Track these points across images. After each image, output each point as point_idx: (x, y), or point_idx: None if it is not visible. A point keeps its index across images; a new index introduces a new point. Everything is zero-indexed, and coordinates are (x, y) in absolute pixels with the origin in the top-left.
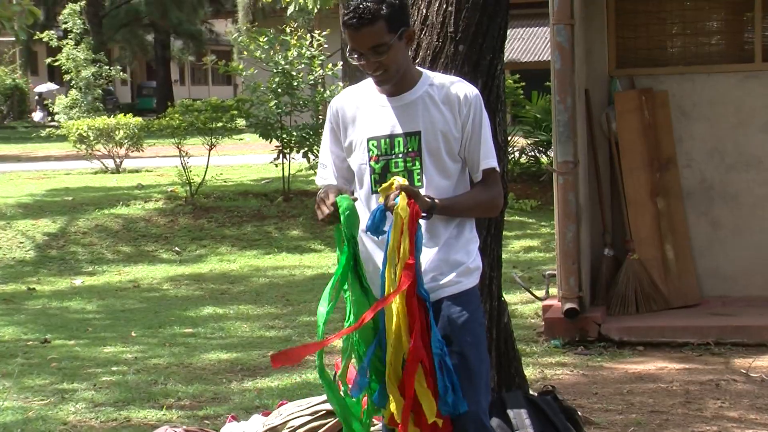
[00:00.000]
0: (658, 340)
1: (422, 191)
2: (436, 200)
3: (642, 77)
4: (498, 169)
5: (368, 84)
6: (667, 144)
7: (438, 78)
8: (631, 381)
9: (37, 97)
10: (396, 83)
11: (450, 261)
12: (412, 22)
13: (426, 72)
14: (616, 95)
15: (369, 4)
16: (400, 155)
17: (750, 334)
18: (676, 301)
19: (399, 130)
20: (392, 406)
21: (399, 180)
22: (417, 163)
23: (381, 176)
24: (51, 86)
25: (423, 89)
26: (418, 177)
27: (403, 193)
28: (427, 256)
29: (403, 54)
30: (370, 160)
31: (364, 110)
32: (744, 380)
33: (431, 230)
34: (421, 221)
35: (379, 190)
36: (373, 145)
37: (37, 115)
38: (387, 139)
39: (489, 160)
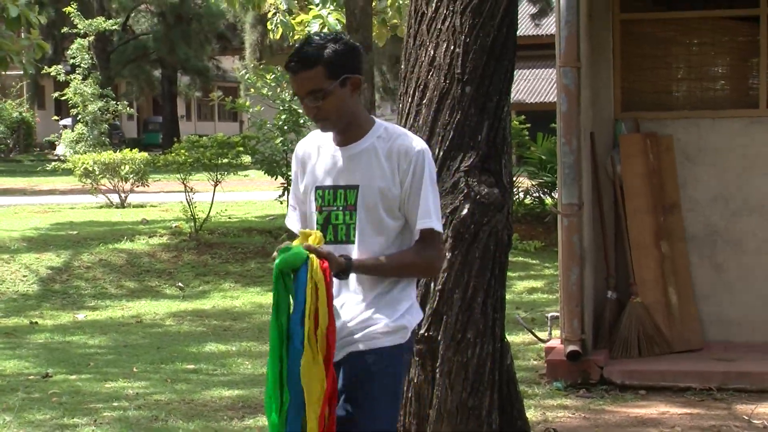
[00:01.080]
0: (661, 384)
1: (355, 248)
2: (353, 260)
3: (647, 121)
4: (438, 230)
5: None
6: (672, 188)
7: (388, 130)
8: (633, 425)
9: (62, 130)
10: (344, 132)
11: (372, 317)
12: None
13: (378, 122)
14: (621, 138)
15: (310, 49)
16: (341, 208)
17: (753, 380)
18: (679, 345)
19: (341, 182)
20: None
21: (314, 236)
22: (353, 218)
23: (323, 228)
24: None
25: (370, 141)
26: (353, 233)
27: (313, 255)
28: (351, 309)
29: (345, 101)
30: (315, 210)
31: (319, 157)
32: (746, 427)
33: (360, 283)
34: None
35: (298, 232)
36: (319, 194)
37: (61, 149)
38: (331, 191)
39: (426, 220)
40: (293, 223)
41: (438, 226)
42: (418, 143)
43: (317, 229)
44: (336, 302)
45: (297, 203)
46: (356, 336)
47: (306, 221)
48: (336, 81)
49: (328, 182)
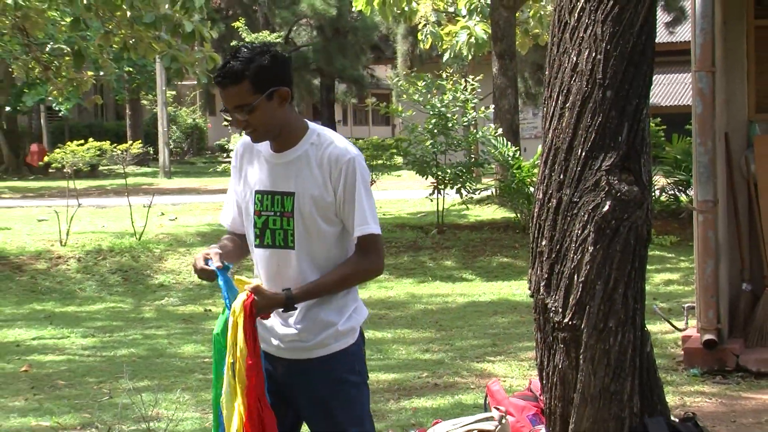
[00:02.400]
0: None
1: (295, 253)
2: (292, 292)
3: None
4: (376, 233)
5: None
6: None
7: (320, 136)
8: (748, 410)
9: (231, 134)
10: (277, 139)
11: (319, 321)
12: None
13: (312, 128)
14: (756, 138)
15: (235, 64)
16: (278, 213)
17: None
18: None
19: (277, 188)
20: None
21: (255, 281)
22: (291, 224)
23: (261, 231)
24: None
25: (303, 148)
26: (291, 238)
27: (246, 290)
28: (297, 314)
29: (272, 114)
30: (254, 214)
31: (257, 161)
32: None
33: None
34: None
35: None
36: (258, 198)
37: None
38: (269, 196)
39: (363, 226)
40: (226, 221)
41: (376, 229)
42: (349, 150)
43: (255, 232)
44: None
45: (235, 198)
46: (309, 344)
47: (242, 215)
48: (262, 95)
49: (266, 187)
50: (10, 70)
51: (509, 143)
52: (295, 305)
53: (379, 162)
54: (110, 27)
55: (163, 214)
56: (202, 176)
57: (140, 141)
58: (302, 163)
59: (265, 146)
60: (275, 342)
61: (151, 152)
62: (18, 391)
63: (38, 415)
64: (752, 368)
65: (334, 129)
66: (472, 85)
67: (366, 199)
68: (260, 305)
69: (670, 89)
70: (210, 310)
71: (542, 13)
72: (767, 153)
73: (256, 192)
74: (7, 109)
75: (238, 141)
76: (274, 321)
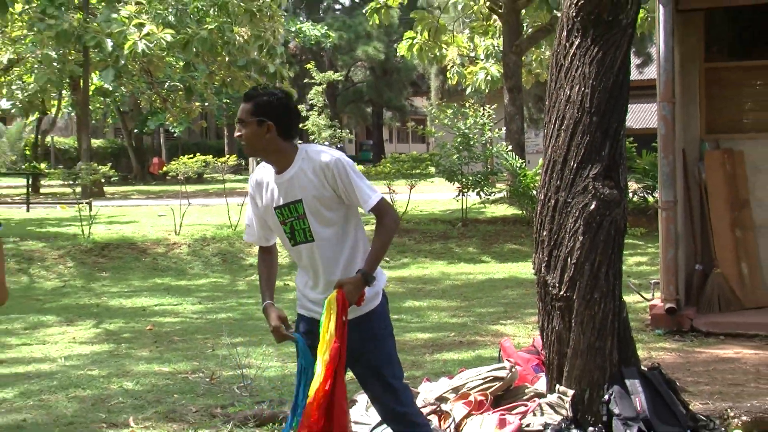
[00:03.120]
0: (735, 332)
1: (315, 243)
2: (365, 269)
3: (724, 141)
4: (379, 198)
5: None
6: (743, 190)
7: (308, 152)
8: (715, 362)
9: (337, 149)
10: (275, 164)
11: None
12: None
13: (301, 148)
14: (705, 153)
15: (256, 92)
16: (295, 218)
17: None
18: (749, 303)
19: (288, 200)
20: None
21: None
22: (306, 223)
23: (291, 234)
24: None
25: (297, 166)
26: (309, 233)
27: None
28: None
29: (258, 137)
30: (281, 224)
31: (267, 187)
32: None
33: (327, 271)
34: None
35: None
36: (278, 212)
37: None
38: (285, 208)
39: (368, 201)
40: (252, 236)
41: (377, 196)
42: (332, 156)
43: (287, 235)
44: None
45: (256, 220)
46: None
47: (265, 228)
48: (255, 119)
49: (281, 202)
50: (138, 101)
51: (517, 157)
52: (372, 276)
53: (417, 171)
54: (213, 69)
55: None
56: None
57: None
58: (300, 175)
59: (271, 173)
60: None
61: (243, 163)
62: (144, 345)
63: (159, 363)
64: (703, 329)
65: (383, 146)
66: (489, 112)
67: (360, 181)
68: (349, 292)
69: (640, 116)
70: (288, 284)
71: (542, 57)
72: (714, 164)
73: (275, 208)
74: (135, 131)
75: (251, 176)
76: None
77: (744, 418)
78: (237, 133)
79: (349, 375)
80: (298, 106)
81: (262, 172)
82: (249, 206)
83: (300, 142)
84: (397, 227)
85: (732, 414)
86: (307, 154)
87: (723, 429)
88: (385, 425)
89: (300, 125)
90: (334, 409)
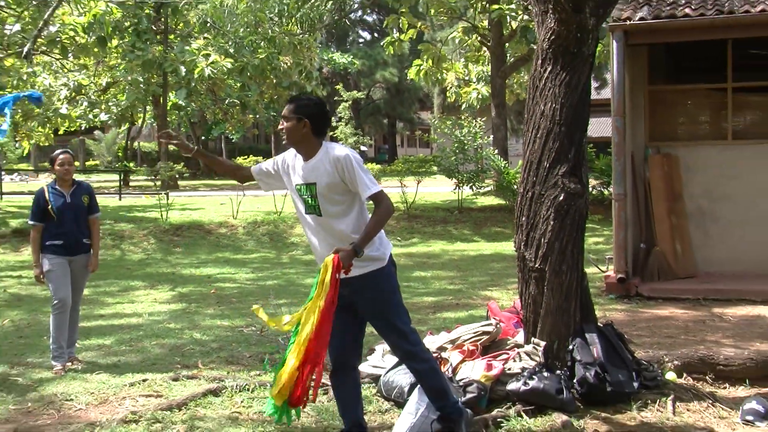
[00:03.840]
0: (670, 296)
1: (324, 216)
2: (356, 244)
3: (664, 147)
4: (377, 190)
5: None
6: (678, 186)
7: (327, 149)
8: (655, 319)
9: (361, 152)
10: (303, 153)
11: (364, 255)
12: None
13: (324, 145)
14: (649, 157)
15: (300, 96)
16: (310, 195)
17: (723, 293)
18: (682, 274)
19: (307, 181)
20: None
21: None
22: (316, 201)
23: (305, 205)
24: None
25: (319, 158)
26: (319, 209)
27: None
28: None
29: (296, 132)
30: (299, 196)
31: (295, 168)
32: (719, 320)
33: (329, 238)
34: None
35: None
36: (298, 188)
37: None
38: (304, 186)
39: (367, 191)
40: (255, 168)
41: (376, 188)
42: (343, 152)
43: (302, 205)
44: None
45: (270, 167)
46: (359, 268)
47: (268, 175)
48: (296, 117)
49: (301, 181)
50: (205, 114)
51: (502, 159)
52: (361, 250)
53: (423, 169)
54: (263, 89)
55: None
56: None
57: None
58: (319, 165)
59: (299, 160)
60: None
61: None
62: (209, 304)
63: (221, 319)
64: (645, 294)
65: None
66: (479, 124)
67: (363, 175)
68: (343, 258)
69: (598, 127)
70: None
71: (522, 80)
72: (655, 165)
73: (296, 185)
74: (202, 137)
75: (287, 153)
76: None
77: (675, 362)
78: (280, 126)
79: (369, 329)
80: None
81: (292, 155)
82: (273, 160)
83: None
84: (389, 215)
85: (666, 359)
86: (326, 149)
87: (659, 371)
88: (397, 368)
89: (329, 128)
90: (323, 341)
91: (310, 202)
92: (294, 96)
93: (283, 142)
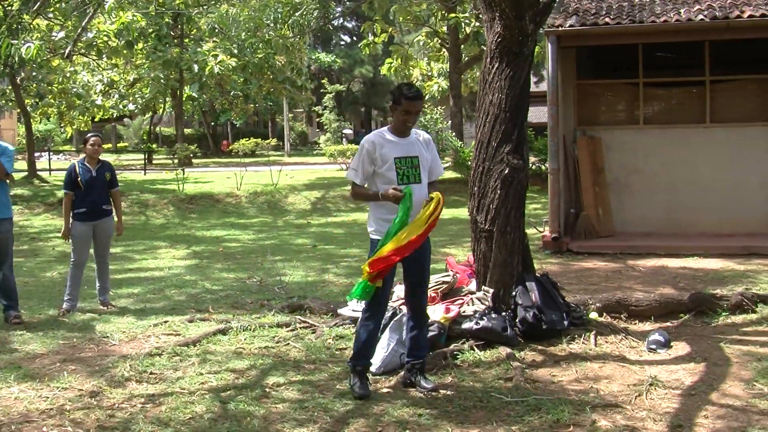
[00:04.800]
0: (594, 251)
1: (423, 184)
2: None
3: (589, 130)
4: (442, 170)
5: (381, 132)
6: (600, 161)
7: (416, 131)
8: (582, 271)
9: (345, 135)
10: (407, 133)
11: None
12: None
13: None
14: (578, 138)
15: (418, 90)
16: (410, 167)
17: (637, 249)
18: (603, 233)
19: (409, 154)
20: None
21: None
22: (418, 170)
23: (402, 176)
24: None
25: (414, 136)
26: (419, 177)
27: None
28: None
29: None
30: (395, 168)
31: (387, 145)
32: (633, 270)
33: (419, 202)
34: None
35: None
36: (397, 161)
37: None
38: (404, 159)
39: (439, 169)
40: (356, 178)
41: (442, 168)
42: (427, 134)
43: (399, 178)
44: None
45: (364, 169)
46: None
47: (367, 178)
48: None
49: (402, 154)
50: (214, 104)
51: (458, 140)
52: None
53: None
54: (261, 83)
55: (287, 174)
56: (306, 156)
57: (275, 138)
58: (415, 142)
59: (387, 136)
60: None
61: (281, 144)
62: (218, 260)
63: (228, 272)
64: (574, 250)
65: None
66: (440, 112)
67: (437, 157)
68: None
69: (537, 113)
70: (310, 222)
71: (474, 75)
72: (582, 145)
73: (395, 158)
74: (212, 123)
75: (368, 140)
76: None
77: (597, 304)
78: (412, 120)
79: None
80: (316, 108)
81: (377, 137)
82: (364, 160)
83: None
84: None
85: (590, 302)
86: (415, 131)
87: (585, 311)
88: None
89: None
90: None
91: (409, 172)
92: (417, 89)
93: (409, 125)
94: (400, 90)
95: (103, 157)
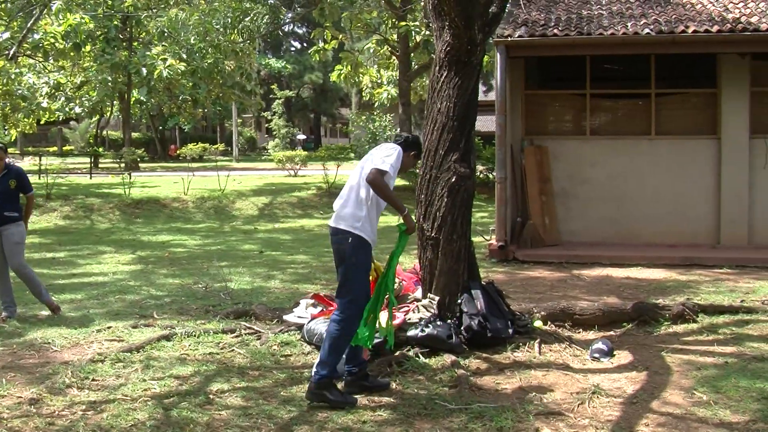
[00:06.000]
0: (540, 260)
1: None
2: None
3: (536, 139)
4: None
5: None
6: (547, 171)
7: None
8: (527, 279)
9: (300, 140)
10: None
11: None
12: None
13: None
14: (525, 148)
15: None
16: None
17: (581, 258)
18: (549, 242)
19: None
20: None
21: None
22: None
23: None
24: (302, 137)
25: None
26: None
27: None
28: None
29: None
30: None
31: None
32: (577, 279)
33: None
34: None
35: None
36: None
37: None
38: None
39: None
40: (391, 175)
41: None
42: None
43: None
44: None
45: (395, 173)
46: None
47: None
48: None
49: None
50: (162, 108)
51: None
52: None
53: (342, 156)
54: (210, 88)
55: (235, 180)
56: (254, 162)
57: (224, 144)
58: None
59: None
60: None
61: (229, 149)
62: (164, 266)
63: (173, 277)
64: (520, 259)
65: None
66: (389, 118)
67: None
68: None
69: (485, 123)
70: (257, 228)
71: (424, 83)
72: (530, 154)
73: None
74: (160, 127)
75: (401, 152)
76: None
77: (542, 313)
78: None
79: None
80: (265, 113)
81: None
82: (398, 165)
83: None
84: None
85: (535, 310)
86: None
87: (530, 319)
88: (317, 318)
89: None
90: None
91: None
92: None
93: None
94: (418, 142)
95: (47, 159)
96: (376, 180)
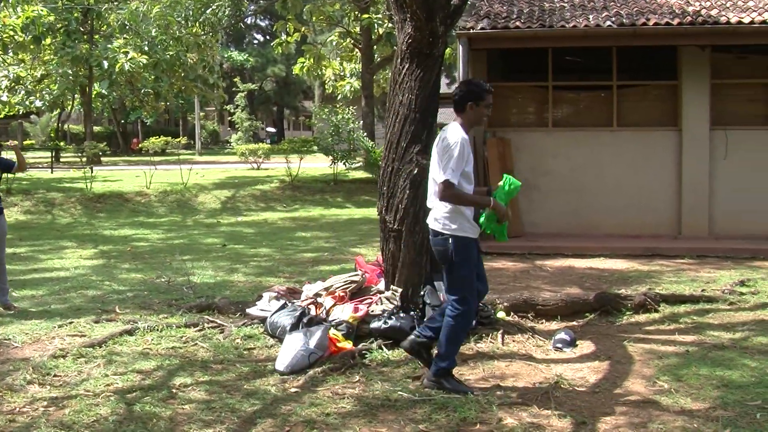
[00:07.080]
0: (503, 251)
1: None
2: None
3: (499, 131)
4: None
5: (460, 127)
6: (510, 163)
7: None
8: (491, 270)
9: (265, 133)
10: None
11: None
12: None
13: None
14: (488, 140)
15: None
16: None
17: (543, 249)
18: (512, 234)
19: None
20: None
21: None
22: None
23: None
24: (272, 129)
25: None
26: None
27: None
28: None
29: None
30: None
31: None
32: (540, 270)
33: None
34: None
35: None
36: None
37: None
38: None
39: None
40: (456, 180)
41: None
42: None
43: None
44: None
45: (460, 172)
46: None
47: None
48: None
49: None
50: (124, 102)
51: (369, 140)
52: None
53: (305, 149)
54: (173, 81)
55: (197, 173)
56: (217, 155)
57: (186, 137)
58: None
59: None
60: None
61: (192, 143)
62: (126, 260)
63: (136, 272)
64: (483, 250)
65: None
66: (351, 111)
67: None
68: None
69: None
70: (219, 222)
71: (386, 76)
72: (492, 146)
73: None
74: (122, 121)
75: (463, 138)
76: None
77: (505, 304)
78: (487, 116)
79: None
80: (229, 106)
81: (465, 134)
82: (463, 159)
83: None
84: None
85: (498, 301)
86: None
87: (493, 310)
88: (280, 311)
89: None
90: None
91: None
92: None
93: (486, 119)
94: (481, 86)
95: (7, 154)
96: (447, 195)
